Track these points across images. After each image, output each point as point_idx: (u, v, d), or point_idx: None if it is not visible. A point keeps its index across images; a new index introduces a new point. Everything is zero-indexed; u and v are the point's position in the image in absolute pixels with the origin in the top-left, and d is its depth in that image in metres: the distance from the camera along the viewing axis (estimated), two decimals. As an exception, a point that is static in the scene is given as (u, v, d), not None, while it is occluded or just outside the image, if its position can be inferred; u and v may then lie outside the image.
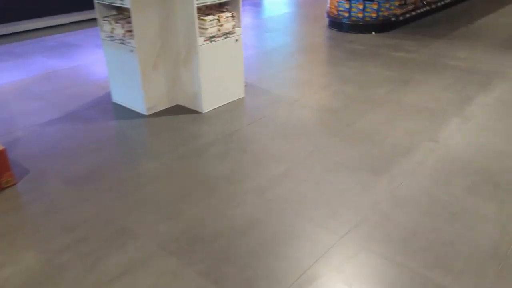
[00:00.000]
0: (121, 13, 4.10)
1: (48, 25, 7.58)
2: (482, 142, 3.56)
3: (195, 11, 3.77)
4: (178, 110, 4.30)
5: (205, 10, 4.06)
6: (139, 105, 4.21)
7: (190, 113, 4.23)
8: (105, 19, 4.08)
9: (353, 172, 3.19)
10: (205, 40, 3.94)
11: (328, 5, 7.17)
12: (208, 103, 4.22)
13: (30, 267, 2.39)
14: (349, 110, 4.21)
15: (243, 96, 4.55)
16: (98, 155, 3.52)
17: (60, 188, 3.09)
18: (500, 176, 3.10)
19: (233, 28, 4.14)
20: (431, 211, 2.75)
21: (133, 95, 4.20)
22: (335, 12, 6.97)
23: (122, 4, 3.77)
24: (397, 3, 6.88)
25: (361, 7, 6.68)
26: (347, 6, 6.77)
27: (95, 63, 5.72)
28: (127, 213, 2.81)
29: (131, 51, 3.94)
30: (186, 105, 4.35)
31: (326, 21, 7.34)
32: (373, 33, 6.76)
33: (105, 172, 3.27)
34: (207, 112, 4.23)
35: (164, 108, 4.31)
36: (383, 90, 4.64)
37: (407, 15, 7.10)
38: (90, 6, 4.18)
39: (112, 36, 4.08)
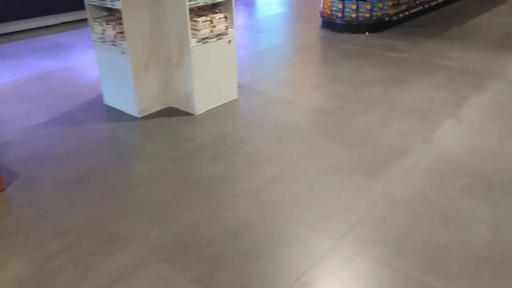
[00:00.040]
0: (112, 14, 4.06)
1: (40, 25, 7.50)
2: (475, 143, 3.56)
3: (187, 12, 3.73)
4: (170, 112, 4.26)
5: (197, 11, 4.02)
6: (131, 107, 4.16)
7: (182, 115, 4.19)
8: (96, 20, 4.03)
9: (348, 174, 3.17)
10: (198, 42, 3.91)
11: (321, 5, 7.15)
12: (201, 105, 4.19)
13: (20, 273, 2.34)
14: (343, 111, 4.20)
15: (236, 97, 4.52)
16: (90, 159, 3.48)
17: (51, 193, 3.05)
18: (494, 177, 3.10)
19: (226, 29, 4.11)
20: (426, 213, 2.74)
21: (125, 97, 4.15)
22: (328, 12, 6.95)
23: (113, 5, 3.73)
24: (390, 3, 6.89)
25: (354, 7, 6.68)
26: (340, 6, 6.76)
27: (87, 64, 5.66)
28: (119, 218, 2.77)
29: (123, 52, 3.90)
30: (179, 107, 4.31)
31: (319, 21, 7.33)
32: (367, 33, 6.76)
33: (97, 176, 3.23)
34: (200, 114, 4.20)
35: (157, 110, 4.27)
36: (376, 91, 4.64)
37: (401, 15, 7.10)
38: (82, 6, 4.14)
39: (103, 38, 4.03)
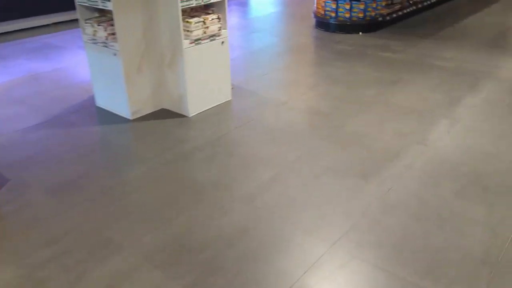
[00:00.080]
0: (104, 15, 4.00)
1: (30, 26, 7.40)
2: (470, 144, 3.56)
3: (180, 13, 3.69)
4: (163, 114, 4.22)
5: (190, 12, 3.98)
6: (124, 110, 4.11)
7: (176, 117, 4.15)
8: (87, 21, 3.98)
9: (343, 177, 3.15)
10: (191, 43, 3.86)
11: (315, 5, 7.13)
12: (194, 107, 4.15)
13: (10, 281, 2.29)
14: (337, 112, 4.18)
15: (230, 98, 4.49)
16: (82, 162, 3.42)
17: (42, 198, 2.99)
18: (488, 178, 3.09)
19: (219, 30, 4.07)
20: (421, 216, 2.72)
21: (117, 99, 4.10)
22: (322, 12, 6.93)
23: (104, 6, 3.67)
24: (384, 3, 6.88)
25: (348, 7, 6.66)
26: (334, 6, 6.74)
27: (79, 65, 5.59)
28: (111, 223, 2.73)
29: (115, 54, 3.84)
30: (172, 109, 4.26)
31: (313, 21, 7.30)
32: (360, 33, 6.74)
33: (89, 180, 3.18)
34: (193, 115, 4.15)
35: (149, 112, 4.22)
36: (371, 91, 4.62)
37: (394, 15, 7.10)
38: (73, 6, 4.07)
39: (95, 39, 3.97)
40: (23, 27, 7.32)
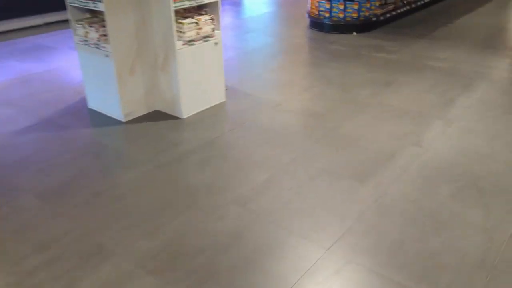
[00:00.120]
0: (96, 16, 3.95)
1: (21, 26, 7.31)
2: (465, 145, 3.55)
3: (173, 14, 3.64)
4: (156, 116, 4.17)
5: (183, 13, 3.93)
6: (116, 112, 4.06)
7: (169, 119, 4.10)
8: (79, 22, 3.92)
9: (338, 180, 3.12)
10: (184, 44, 3.82)
11: (309, 5, 7.10)
12: (187, 109, 4.10)
13: (-1, 291, 2.25)
14: (332, 113, 4.15)
15: (224, 100, 4.45)
16: (73, 166, 3.37)
17: (32, 203, 2.94)
18: (484, 180, 3.08)
19: (213, 31, 4.03)
20: (417, 220, 2.70)
21: (110, 101, 4.05)
22: (316, 12, 6.91)
23: (95, 7, 3.62)
24: (377, 3, 6.86)
25: (342, 7, 6.64)
26: (328, 6, 6.72)
27: (71, 66, 5.52)
28: (103, 229, 2.68)
29: (107, 56, 3.79)
30: (165, 111, 4.21)
31: (307, 21, 7.28)
32: (354, 33, 6.73)
33: (81, 184, 3.13)
34: (187, 117, 4.11)
35: (142, 114, 4.17)
36: (365, 92, 4.60)
37: (388, 15, 7.09)
38: (64, 6, 4.00)
39: (86, 40, 3.92)
40: (14, 28, 7.22)
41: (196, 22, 3.83)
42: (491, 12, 8.16)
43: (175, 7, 3.65)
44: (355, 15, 6.67)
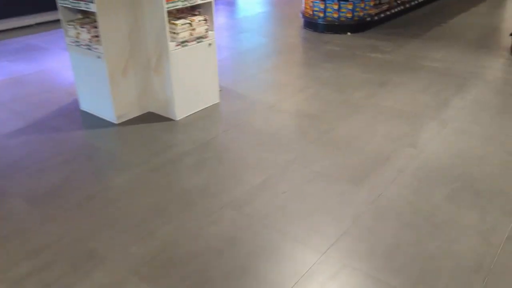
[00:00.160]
0: (87, 17, 3.89)
1: (12, 27, 7.21)
2: (460, 147, 3.53)
3: (166, 15, 3.60)
4: (150, 117, 4.12)
5: (176, 14, 3.89)
6: (109, 113, 4.00)
7: (162, 120, 4.06)
8: (70, 23, 3.86)
9: (333, 183, 3.10)
10: (177, 45, 3.77)
11: (303, 5, 7.07)
12: (181, 110, 4.06)
13: (-12, 299, 2.20)
14: (327, 114, 4.13)
15: (218, 101, 4.41)
16: (65, 169, 3.32)
17: (22, 207, 2.89)
18: (480, 182, 3.06)
19: (206, 32, 3.99)
20: (413, 223, 2.68)
21: (102, 103, 3.99)
22: (310, 12, 6.88)
23: (87, 8, 3.56)
24: (372, 3, 6.85)
25: (336, 7, 6.62)
26: (322, 6, 6.69)
27: (63, 67, 5.45)
28: (95, 234, 2.63)
29: (99, 57, 3.74)
30: (159, 113, 4.17)
31: (301, 21, 7.25)
32: (349, 33, 6.71)
33: (72, 188, 3.08)
34: (180, 119, 4.06)
35: (135, 116, 4.12)
36: (360, 93, 4.58)
37: (382, 15, 7.08)
38: (56, 6, 3.94)
39: (78, 41, 3.86)
40: (5, 28, 7.13)
41: (190, 23, 3.79)
42: (485, 12, 8.18)
43: (168, 7, 3.61)
44: (349, 15, 6.65)
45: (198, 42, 3.94)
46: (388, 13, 7.23)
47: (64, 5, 3.80)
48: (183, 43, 3.82)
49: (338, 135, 3.75)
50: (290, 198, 2.94)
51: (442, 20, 7.50)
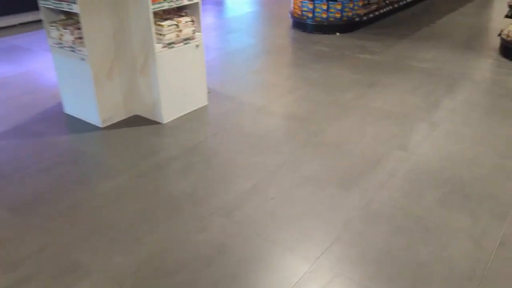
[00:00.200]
0: (70, 18, 3.78)
1: (-6, 26, 7.04)
2: (450, 149, 3.51)
3: (151, 16, 3.51)
4: (136, 121, 4.03)
5: (162, 15, 3.80)
6: (94, 117, 3.90)
7: (149, 124, 3.97)
8: (52, 24, 3.75)
9: (323, 187, 3.04)
10: (163, 47, 3.69)
11: (292, 5, 7.02)
12: (168, 113, 3.97)
13: (-35, 315, 2.10)
14: (316, 116, 4.08)
15: (206, 103, 4.33)
16: (48, 176, 3.21)
17: (2, 217, 2.78)
18: (470, 185, 3.04)
19: (193, 33, 3.91)
20: (405, 228, 2.64)
21: (87, 106, 3.89)
22: (299, 12, 6.83)
23: (70, 9, 3.46)
24: (360, 3, 6.82)
25: (325, 7, 6.58)
26: (311, 6, 6.65)
27: (46, 68, 5.31)
28: (79, 244, 2.54)
29: (83, 59, 3.63)
30: (145, 116, 4.07)
31: (290, 21, 7.20)
32: (338, 33, 6.68)
33: (55, 196, 2.98)
34: (168, 122, 3.98)
35: (121, 119, 4.02)
36: (349, 94, 4.54)
37: (371, 15, 7.06)
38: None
39: (61, 43, 3.75)
40: (-13, 28, 6.96)
41: (176, 24, 3.71)
42: (472, 11, 8.22)
43: (154, 8, 3.52)
44: (338, 15, 6.62)
45: (185, 44, 3.86)
46: (377, 13, 7.21)
47: (46, 5, 3.69)
48: (170, 44, 3.73)
49: (328, 137, 3.71)
50: (279, 203, 2.88)
51: (431, 20, 7.51)
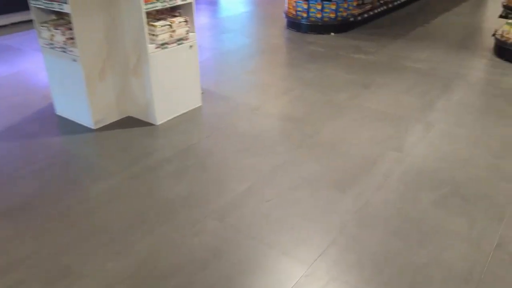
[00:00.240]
0: (62, 18, 3.72)
1: (-15, 26, 6.95)
2: (446, 150, 3.50)
3: (144, 16, 3.46)
4: (129, 122, 3.98)
5: (155, 15, 3.75)
6: (86, 118, 3.85)
7: (142, 125, 3.92)
8: (43, 25, 3.69)
9: (319, 189, 3.02)
10: (156, 48, 3.64)
11: (286, 5, 6.99)
12: (162, 114, 3.93)
13: (-47, 323, 2.05)
14: (311, 117, 4.05)
15: (200, 104, 4.29)
16: (39, 179, 3.16)
17: (-7, 221, 2.73)
18: (466, 186, 3.03)
19: (187, 33, 3.86)
20: (401, 230, 2.62)
21: (79, 108, 3.84)
22: (293, 12, 6.80)
23: (61, 9, 3.40)
24: (355, 3, 6.81)
25: (319, 7, 6.55)
26: (305, 6, 6.62)
27: (37, 68, 5.24)
28: (71, 248, 2.50)
29: (74, 60, 3.58)
30: (138, 117, 4.03)
31: (284, 21, 7.17)
32: (332, 33, 6.66)
33: (47, 199, 2.93)
34: (161, 124, 3.93)
35: (114, 120, 3.97)
36: (344, 95, 4.52)
37: (365, 15, 7.05)
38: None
39: (52, 44, 3.69)
40: (-23, 28, 6.87)
41: (170, 25, 3.66)
42: (467, 11, 8.23)
43: (147, 9, 3.47)
44: (332, 15, 6.60)
45: (178, 44, 3.82)
46: (371, 13, 7.20)
47: (37, 5, 3.63)
48: (163, 45, 3.69)
49: (323, 139, 3.68)
50: (275, 206, 2.85)
51: (425, 20, 7.52)
